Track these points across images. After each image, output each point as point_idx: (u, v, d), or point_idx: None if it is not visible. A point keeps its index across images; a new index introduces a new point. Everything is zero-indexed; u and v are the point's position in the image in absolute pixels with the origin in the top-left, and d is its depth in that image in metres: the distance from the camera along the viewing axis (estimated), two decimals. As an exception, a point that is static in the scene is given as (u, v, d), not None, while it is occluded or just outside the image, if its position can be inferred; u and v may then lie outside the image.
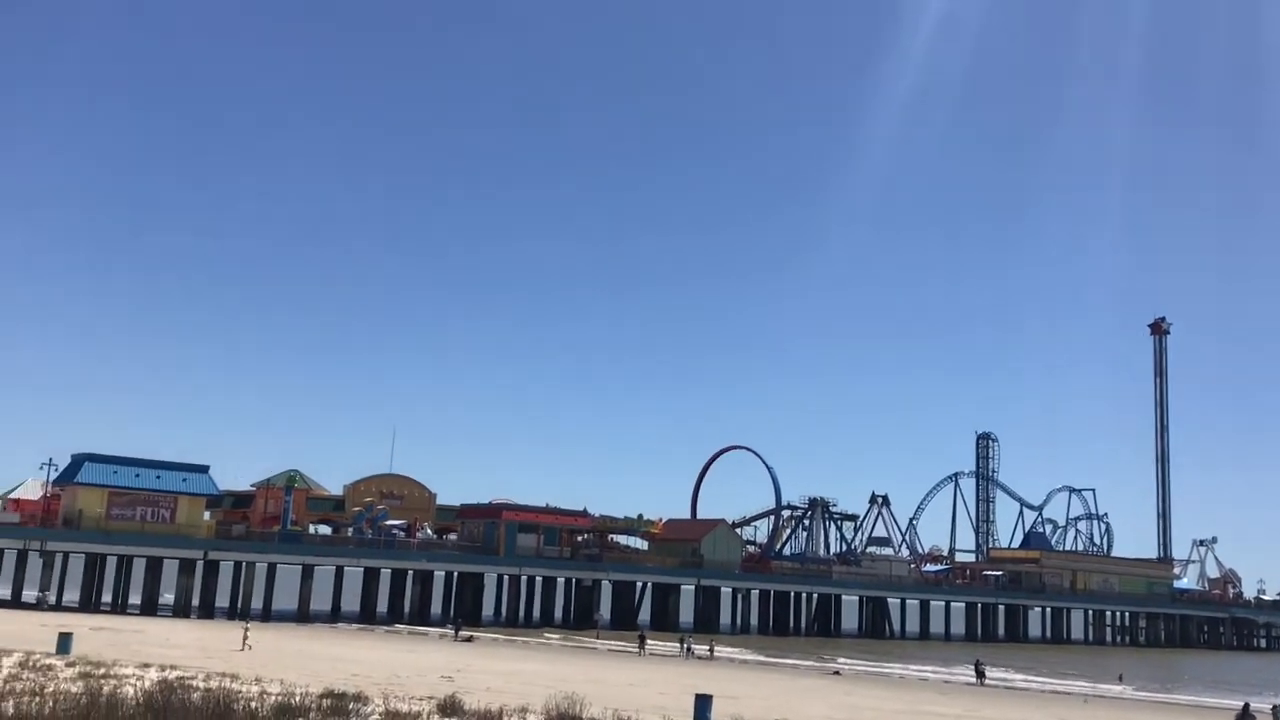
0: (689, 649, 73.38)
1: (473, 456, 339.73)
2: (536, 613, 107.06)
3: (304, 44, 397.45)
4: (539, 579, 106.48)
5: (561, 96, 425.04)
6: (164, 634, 56.79)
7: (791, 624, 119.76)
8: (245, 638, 53.48)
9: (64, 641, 41.87)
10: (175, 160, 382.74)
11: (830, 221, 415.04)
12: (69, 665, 34.63)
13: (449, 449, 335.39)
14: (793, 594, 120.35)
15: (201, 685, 29.22)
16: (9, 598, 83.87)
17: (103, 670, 33.17)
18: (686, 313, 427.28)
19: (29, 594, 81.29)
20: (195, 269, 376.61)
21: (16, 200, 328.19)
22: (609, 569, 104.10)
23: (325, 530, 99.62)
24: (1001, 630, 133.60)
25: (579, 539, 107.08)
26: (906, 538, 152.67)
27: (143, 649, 47.33)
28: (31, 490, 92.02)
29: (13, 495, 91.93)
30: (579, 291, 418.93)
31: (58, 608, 76.45)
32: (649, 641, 77.95)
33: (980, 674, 70.34)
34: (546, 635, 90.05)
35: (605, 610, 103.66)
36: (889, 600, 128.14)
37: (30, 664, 34.05)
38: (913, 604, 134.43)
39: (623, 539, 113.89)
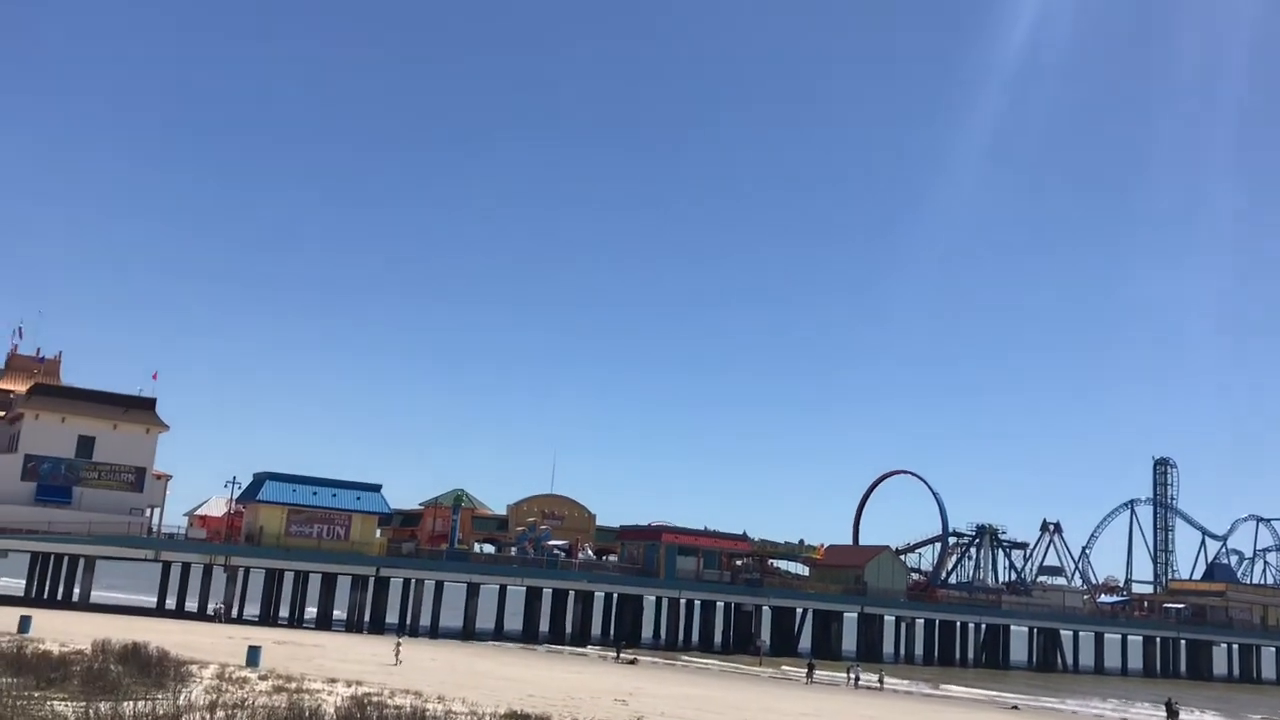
0: (856, 678, 71.47)
1: (630, 478, 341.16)
2: (695, 636, 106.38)
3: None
4: (697, 602, 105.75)
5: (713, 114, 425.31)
6: (342, 648, 58.27)
7: (958, 654, 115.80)
8: (397, 652, 54.58)
9: (253, 654, 43.25)
10: (362, 191, 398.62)
11: (977, 244, 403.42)
12: (261, 678, 35.68)
13: (607, 470, 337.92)
14: (959, 624, 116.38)
15: (391, 703, 29.61)
16: (195, 610, 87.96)
17: (294, 685, 34.04)
18: (844, 333, 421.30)
19: (213, 607, 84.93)
20: (375, 298, 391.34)
21: (183, 227, 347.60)
22: (769, 594, 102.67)
23: (489, 549, 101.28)
24: (1183, 667, 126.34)
25: (738, 563, 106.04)
26: (1079, 567, 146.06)
27: (325, 664, 48.64)
28: (216, 507, 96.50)
29: (199, 512, 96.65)
30: (734, 313, 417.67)
31: (232, 620, 79.41)
32: (816, 670, 76.37)
33: (1173, 714, 66.18)
34: (706, 660, 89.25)
35: (765, 636, 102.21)
36: (1061, 632, 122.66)
37: (226, 676, 35.19)
38: (1086, 636, 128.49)
39: (783, 564, 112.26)
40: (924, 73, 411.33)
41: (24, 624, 50.51)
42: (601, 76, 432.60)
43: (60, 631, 49.69)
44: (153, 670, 31.88)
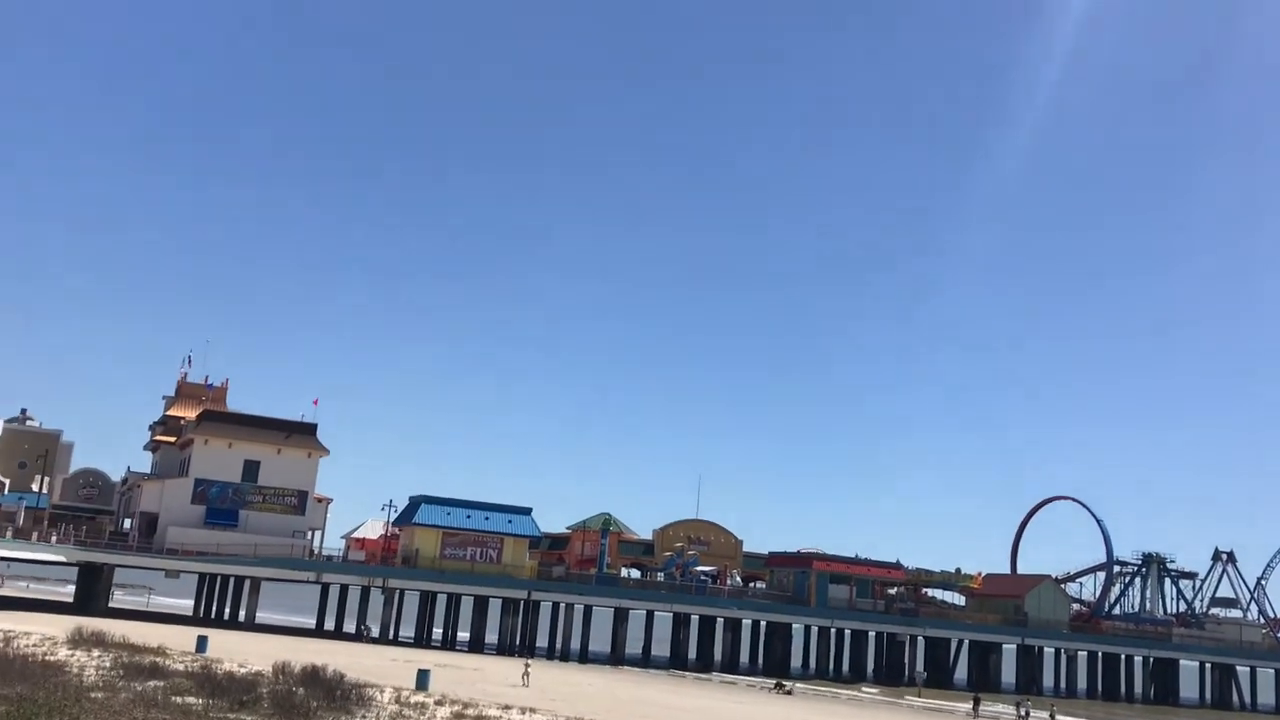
0: (1026, 713, 68.33)
1: (775, 504, 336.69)
2: (845, 666, 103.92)
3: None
4: (848, 632, 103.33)
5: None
6: (503, 672, 58.40)
7: (1123, 689, 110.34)
8: (525, 674, 54.41)
9: (422, 678, 43.62)
10: (510, 224, 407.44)
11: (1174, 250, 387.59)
12: (437, 703, 35.75)
13: (752, 496, 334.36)
14: (1124, 656, 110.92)
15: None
16: (352, 631, 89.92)
17: (472, 711, 33.93)
18: (1000, 351, 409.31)
19: (359, 628, 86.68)
20: (520, 323, 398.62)
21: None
22: (924, 624, 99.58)
23: (635, 574, 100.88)
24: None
25: (891, 592, 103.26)
26: (1255, 598, 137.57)
27: (489, 688, 48.74)
28: (372, 530, 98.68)
29: (356, 535, 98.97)
30: (866, 336, 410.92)
31: (373, 640, 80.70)
32: (981, 703, 73.51)
33: None
34: (860, 690, 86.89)
35: (919, 666, 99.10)
36: (1238, 668, 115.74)
37: (403, 700, 35.37)
38: (1265, 674, 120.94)
39: (938, 593, 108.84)
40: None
41: (201, 644, 52.11)
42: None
43: (235, 651, 51.01)
44: (336, 693, 32.16)
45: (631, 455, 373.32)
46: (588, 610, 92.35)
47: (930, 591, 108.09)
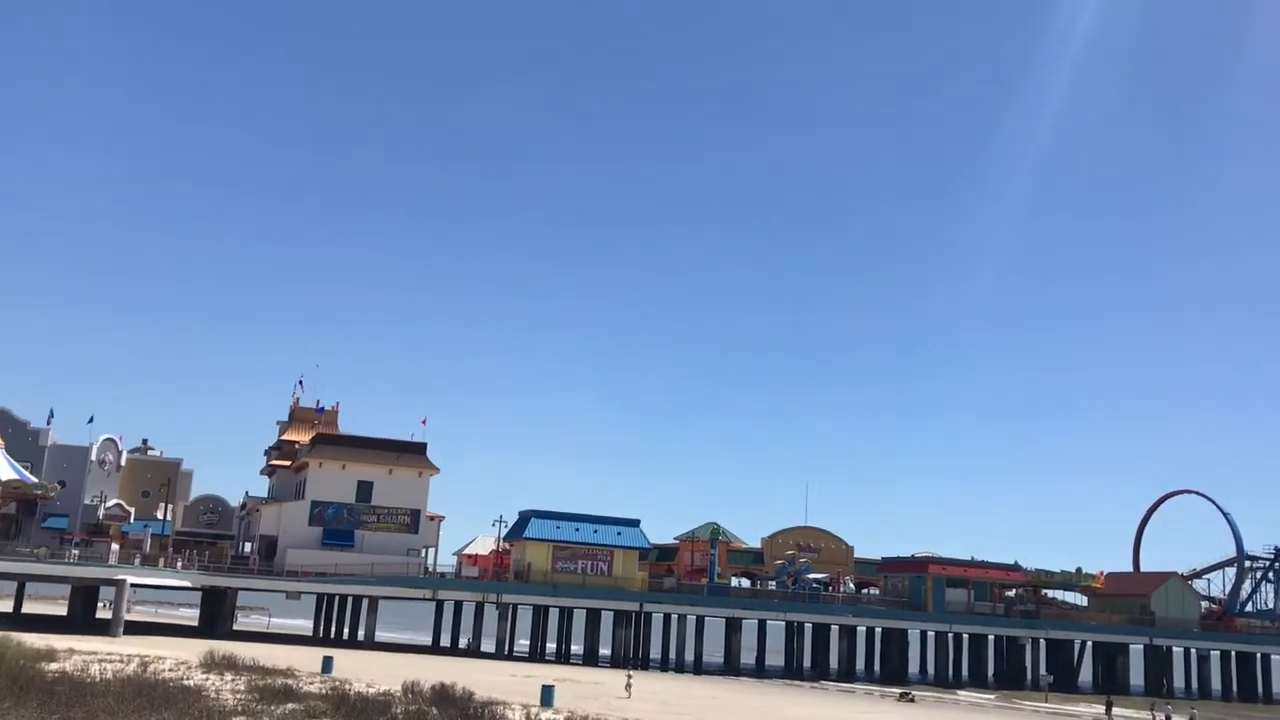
0: (1166, 717, 65.64)
1: (884, 509, 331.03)
2: (965, 671, 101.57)
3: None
4: (965, 636, 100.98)
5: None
6: (620, 685, 58.14)
7: (1260, 690, 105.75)
8: (629, 684, 53.97)
9: (547, 694, 43.50)
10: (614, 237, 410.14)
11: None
12: (566, 719, 35.58)
13: (860, 501, 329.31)
14: (1259, 655, 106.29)
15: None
16: (465, 647, 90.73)
17: (605, 728, 33.67)
18: (1119, 342, 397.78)
19: (487, 643, 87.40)
20: (623, 337, 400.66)
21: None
22: (1046, 626, 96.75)
23: (745, 583, 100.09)
24: None
25: (1009, 594, 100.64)
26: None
27: (613, 702, 48.55)
28: (482, 546, 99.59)
29: (467, 551, 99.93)
30: (979, 334, 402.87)
31: (497, 655, 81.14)
32: (1115, 707, 71.03)
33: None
34: (981, 695, 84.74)
35: (1040, 669, 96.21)
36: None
37: (532, 716, 35.29)
38: None
39: (1059, 594, 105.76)
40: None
41: (327, 664, 52.88)
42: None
43: (360, 671, 51.63)
44: (468, 712, 32.18)
45: (735, 464, 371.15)
46: (700, 621, 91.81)
47: (1051, 593, 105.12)
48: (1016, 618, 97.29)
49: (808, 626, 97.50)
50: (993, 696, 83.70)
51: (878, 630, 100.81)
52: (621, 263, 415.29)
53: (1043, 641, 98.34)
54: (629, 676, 56.32)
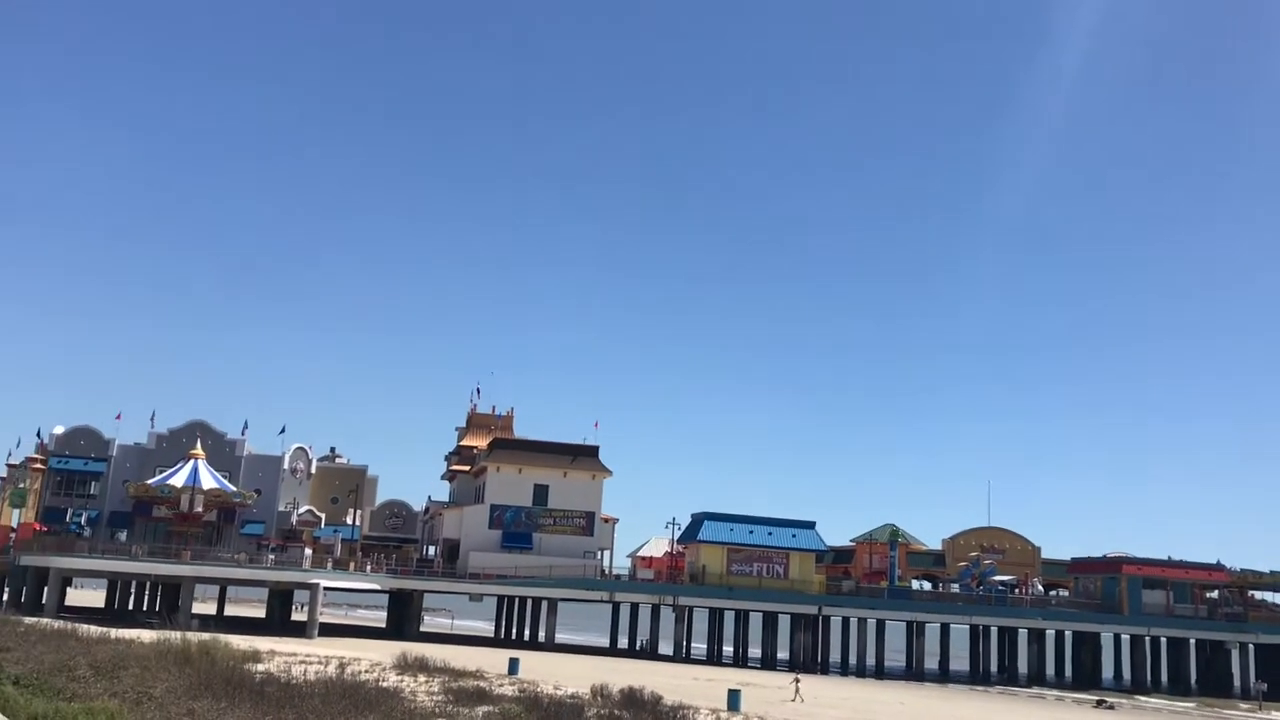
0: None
1: (1072, 507, 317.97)
2: (1164, 677, 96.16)
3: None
4: (1164, 640, 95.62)
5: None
6: (805, 691, 57.11)
7: None
8: (796, 688, 52.82)
9: (733, 698, 43.04)
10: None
11: None
12: (757, 724, 34.96)
13: (1047, 500, 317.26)
14: None
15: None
16: (640, 648, 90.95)
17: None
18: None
19: (664, 646, 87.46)
20: (779, 337, 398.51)
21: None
22: (1255, 630, 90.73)
23: (925, 585, 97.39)
24: None
25: (1213, 595, 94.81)
26: None
27: (800, 707, 47.63)
28: (655, 548, 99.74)
29: (640, 553, 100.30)
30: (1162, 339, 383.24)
31: (675, 658, 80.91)
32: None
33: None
34: (1182, 703, 79.91)
35: (1246, 677, 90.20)
36: None
37: (723, 721, 34.77)
38: None
39: (1268, 595, 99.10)
40: None
41: (513, 666, 53.61)
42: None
43: (545, 673, 52.11)
44: (660, 716, 31.89)
45: (907, 465, 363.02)
46: (880, 624, 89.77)
47: (1260, 594, 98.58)
48: (1221, 620, 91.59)
49: (993, 630, 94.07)
50: (1193, 705, 78.90)
51: (1068, 634, 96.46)
52: (776, 276, 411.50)
53: (1251, 646, 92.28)
54: (796, 681, 55.30)
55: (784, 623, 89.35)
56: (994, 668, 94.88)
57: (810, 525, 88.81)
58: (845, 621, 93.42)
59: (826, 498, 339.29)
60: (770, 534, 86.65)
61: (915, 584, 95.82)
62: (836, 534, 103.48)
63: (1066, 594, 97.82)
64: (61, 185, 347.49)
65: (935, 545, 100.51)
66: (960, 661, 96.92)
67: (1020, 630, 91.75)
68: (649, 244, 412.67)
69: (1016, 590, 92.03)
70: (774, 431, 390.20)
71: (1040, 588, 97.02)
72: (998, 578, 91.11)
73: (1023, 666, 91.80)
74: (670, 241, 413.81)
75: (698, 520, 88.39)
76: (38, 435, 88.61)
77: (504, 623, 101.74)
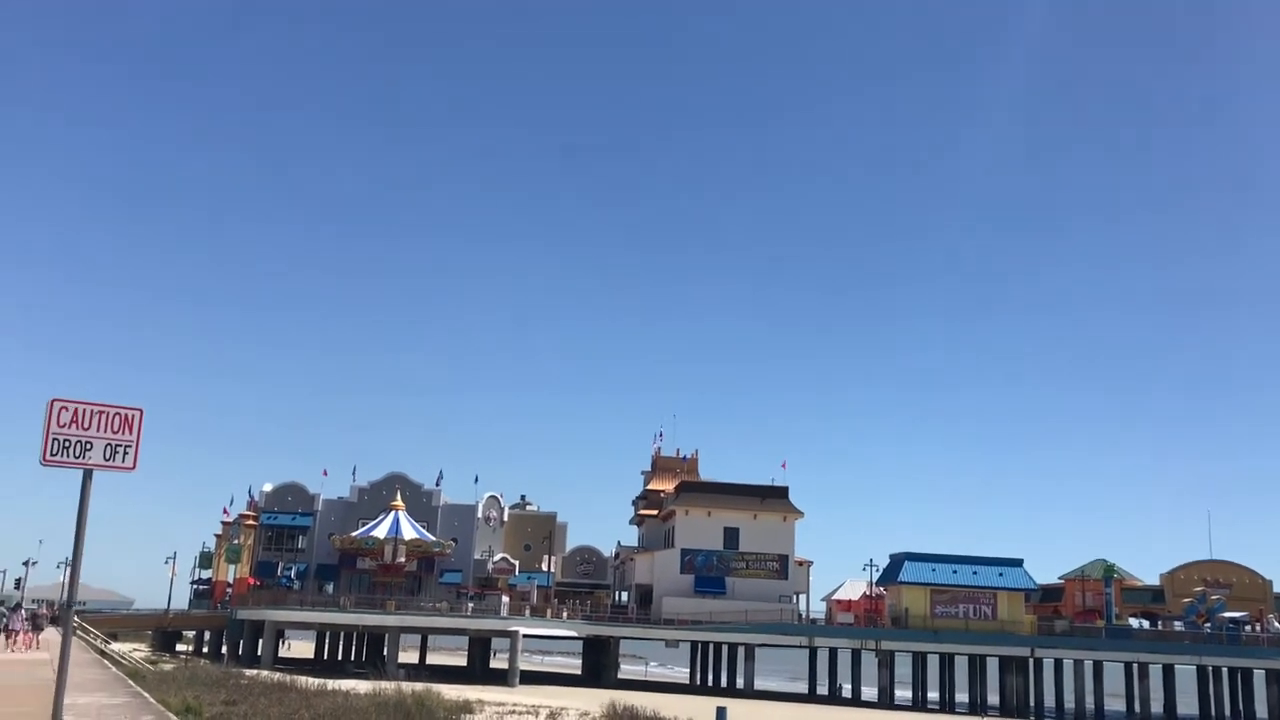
0: None
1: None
2: None
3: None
4: None
5: None
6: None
7: None
8: None
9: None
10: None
11: None
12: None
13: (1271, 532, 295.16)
14: None
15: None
16: (845, 696, 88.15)
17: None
18: None
19: (866, 691, 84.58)
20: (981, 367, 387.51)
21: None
22: None
23: (1143, 624, 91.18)
24: None
25: None
26: None
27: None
28: (851, 590, 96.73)
29: (836, 596, 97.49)
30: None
31: (880, 705, 77.93)
32: None
33: None
34: None
35: None
36: None
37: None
38: None
39: None
40: None
41: (720, 715, 52.16)
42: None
43: (755, 722, 50.65)
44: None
45: (1114, 498, 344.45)
46: (1097, 666, 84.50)
47: None
48: None
49: (1224, 671, 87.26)
50: None
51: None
52: (962, 314, 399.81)
53: None
54: None
55: (992, 665, 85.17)
56: (1227, 712, 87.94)
57: (1018, 563, 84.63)
58: (1058, 664, 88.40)
59: (1014, 533, 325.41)
60: (975, 573, 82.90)
61: (1133, 622, 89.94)
62: (1034, 571, 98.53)
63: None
64: (287, 270, 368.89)
65: (1151, 580, 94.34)
66: (1189, 704, 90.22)
67: (1256, 671, 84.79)
68: (804, 292, 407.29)
69: (1250, 627, 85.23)
70: (964, 470, 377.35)
71: (1277, 625, 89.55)
72: (1227, 614, 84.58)
73: (1260, 710, 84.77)
74: (822, 285, 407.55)
75: (897, 561, 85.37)
76: (249, 493, 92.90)
77: (699, 669, 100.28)
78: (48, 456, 13.63)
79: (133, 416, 14.10)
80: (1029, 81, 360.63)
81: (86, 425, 13.84)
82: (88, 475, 13.84)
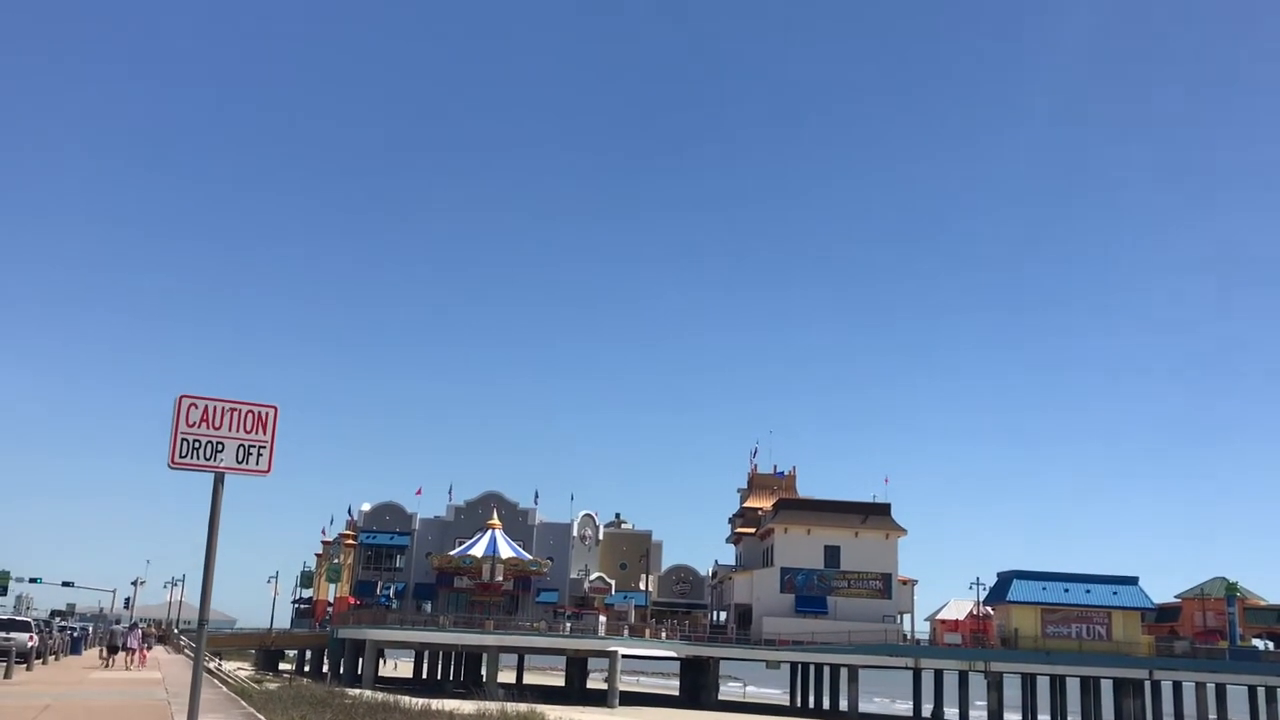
0: None
1: None
2: None
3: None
4: None
5: None
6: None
7: None
8: None
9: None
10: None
11: None
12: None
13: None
14: None
15: None
16: (937, 717, 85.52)
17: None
18: None
19: (974, 714, 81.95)
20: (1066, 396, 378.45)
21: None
22: None
23: (1268, 645, 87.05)
24: None
25: None
26: None
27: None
28: (956, 610, 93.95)
29: (940, 616, 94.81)
30: None
31: None
32: None
33: None
34: None
35: None
36: None
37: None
38: None
39: None
40: None
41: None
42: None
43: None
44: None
45: (1228, 512, 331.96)
46: (1219, 690, 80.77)
47: None
48: None
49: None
50: None
51: None
52: (1045, 332, 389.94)
53: None
54: None
55: (1106, 688, 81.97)
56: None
57: (1133, 581, 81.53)
58: (1177, 687, 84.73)
59: (1122, 550, 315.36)
60: (1088, 592, 79.95)
61: (1258, 643, 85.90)
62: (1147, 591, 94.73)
63: None
64: (386, 312, 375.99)
65: (1276, 599, 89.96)
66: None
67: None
68: (897, 302, 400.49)
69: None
70: (1062, 485, 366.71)
71: None
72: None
73: None
74: (908, 297, 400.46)
75: (1006, 579, 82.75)
76: (348, 512, 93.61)
77: (799, 690, 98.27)
78: (176, 458, 12.35)
79: (266, 415, 12.94)
80: None
81: (218, 424, 12.65)
82: (219, 479, 12.62)
